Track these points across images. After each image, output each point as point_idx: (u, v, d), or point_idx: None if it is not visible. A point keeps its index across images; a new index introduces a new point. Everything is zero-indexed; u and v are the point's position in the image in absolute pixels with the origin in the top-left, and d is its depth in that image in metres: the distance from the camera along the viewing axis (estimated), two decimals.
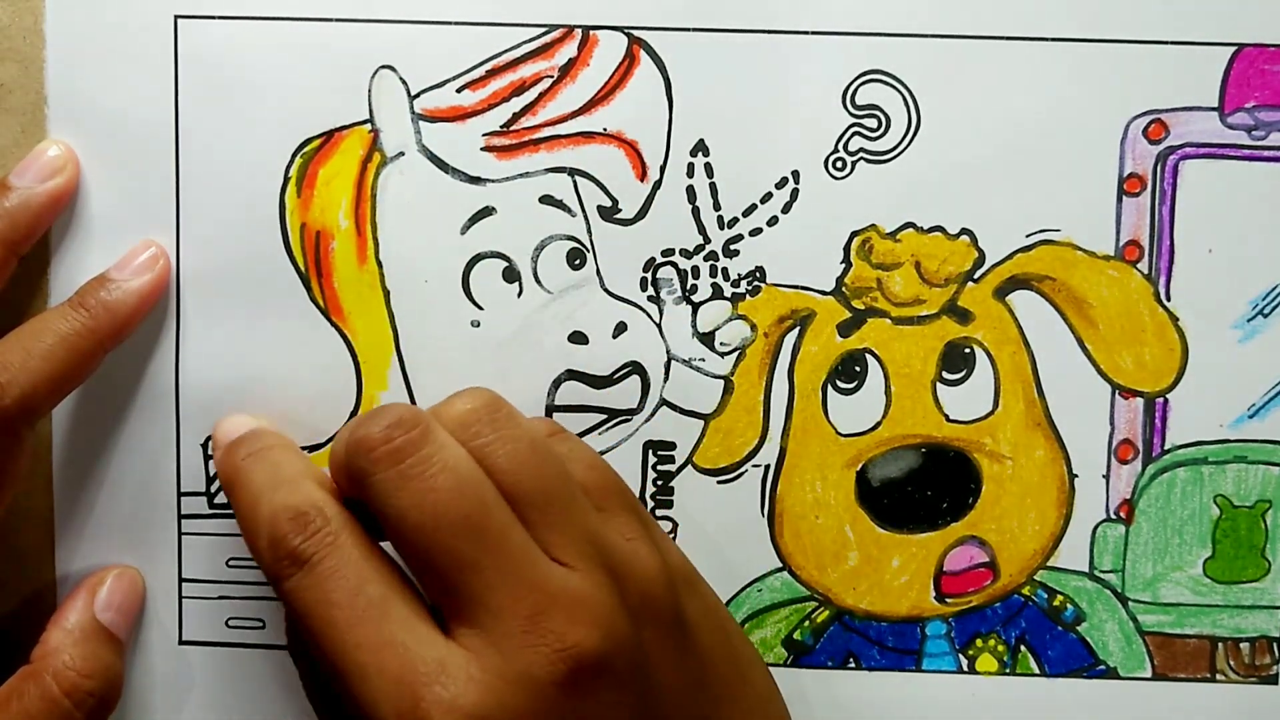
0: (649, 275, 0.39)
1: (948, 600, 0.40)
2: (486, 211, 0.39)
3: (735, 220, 0.39)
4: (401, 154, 0.39)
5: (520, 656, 0.30)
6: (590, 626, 0.31)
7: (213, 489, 0.40)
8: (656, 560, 0.33)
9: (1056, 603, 0.39)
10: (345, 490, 0.34)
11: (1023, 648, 0.40)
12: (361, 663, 0.30)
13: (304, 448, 0.39)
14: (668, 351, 0.39)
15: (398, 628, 0.31)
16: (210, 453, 0.40)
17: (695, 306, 0.39)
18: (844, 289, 0.39)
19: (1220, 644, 0.39)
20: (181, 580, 0.40)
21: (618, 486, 0.35)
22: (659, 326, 0.39)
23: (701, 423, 0.39)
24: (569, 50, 0.38)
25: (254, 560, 0.33)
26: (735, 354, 0.39)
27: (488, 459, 0.33)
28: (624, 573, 0.32)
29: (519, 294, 0.39)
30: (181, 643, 0.40)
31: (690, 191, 0.39)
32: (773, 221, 0.39)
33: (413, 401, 0.39)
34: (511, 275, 0.39)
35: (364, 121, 0.39)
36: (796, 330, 0.39)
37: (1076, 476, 0.39)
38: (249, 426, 0.38)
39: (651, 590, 0.33)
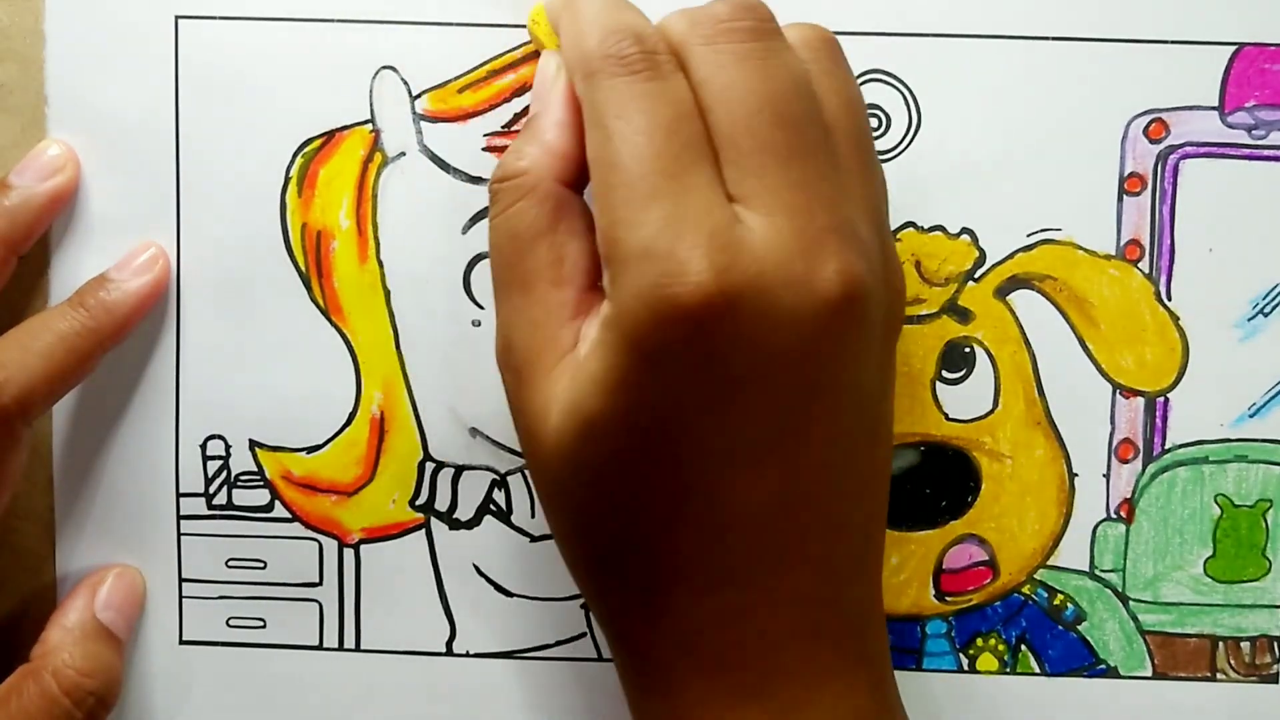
0: None
1: (947, 599, 0.39)
2: (487, 211, 0.39)
3: None
4: (403, 154, 0.39)
5: (805, 257, 0.29)
6: (870, 276, 0.30)
7: (211, 489, 0.40)
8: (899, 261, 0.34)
9: (1057, 602, 0.39)
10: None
11: (1023, 647, 0.40)
12: (656, 187, 0.29)
13: (304, 448, 0.39)
14: None
15: (703, 183, 0.30)
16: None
17: None
18: None
19: (1221, 643, 0.39)
20: (181, 580, 0.40)
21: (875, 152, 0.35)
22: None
23: None
24: None
25: (571, 62, 0.33)
26: None
27: (818, 80, 0.32)
28: (889, 252, 0.32)
29: None
30: (181, 643, 0.40)
31: None
32: None
33: (413, 401, 0.39)
34: None
35: (365, 121, 0.39)
36: None
37: (1077, 476, 0.39)
38: None
39: (903, 298, 0.34)
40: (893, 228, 0.38)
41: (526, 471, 0.39)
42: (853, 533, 0.32)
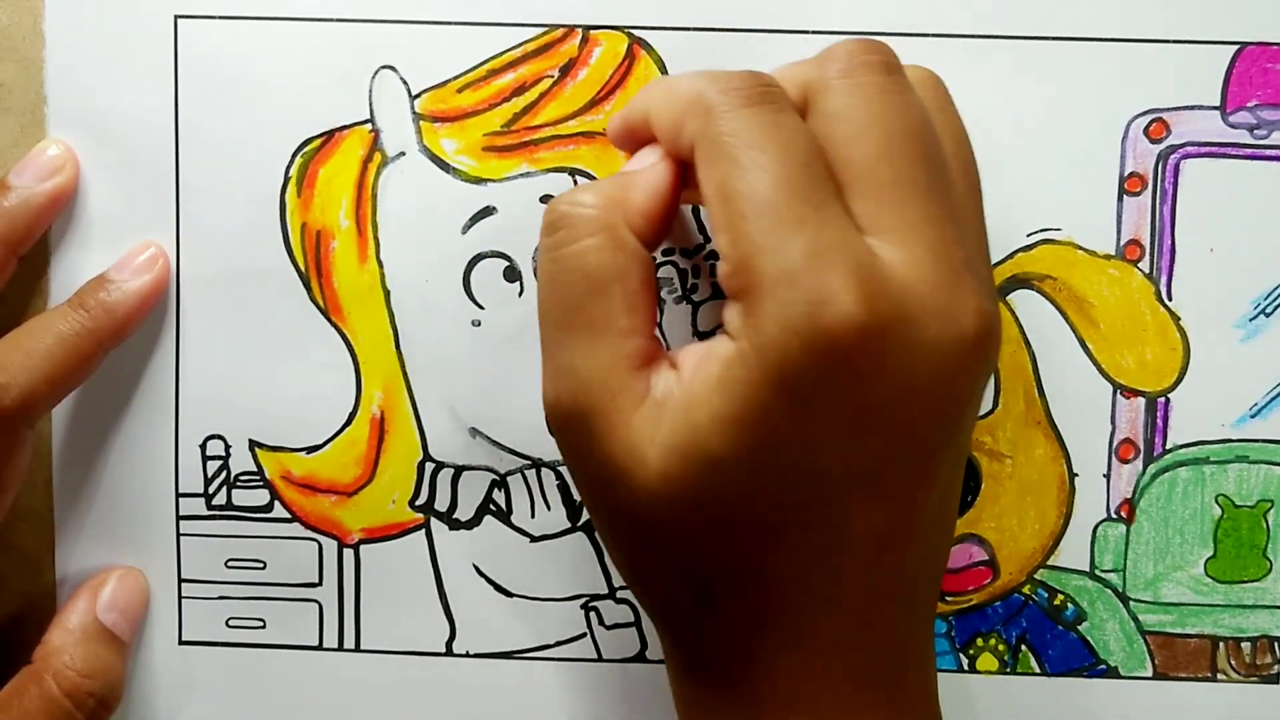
0: None
1: (947, 599, 0.39)
2: (487, 211, 0.39)
3: None
4: (402, 154, 0.39)
5: (949, 291, 0.29)
6: (995, 311, 0.30)
7: (211, 489, 0.40)
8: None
9: (1057, 602, 0.39)
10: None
11: (1023, 647, 0.40)
12: (800, 216, 0.28)
13: (304, 448, 0.39)
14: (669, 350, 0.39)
15: (839, 214, 0.29)
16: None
17: (695, 306, 0.39)
18: None
19: (1221, 644, 0.39)
20: (181, 580, 0.40)
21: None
22: (659, 326, 0.39)
23: None
24: (569, 50, 0.38)
25: (681, 108, 0.31)
26: None
27: (936, 119, 0.32)
28: (993, 289, 0.32)
29: (520, 293, 0.39)
30: (181, 643, 0.40)
31: None
32: None
33: (413, 401, 0.39)
34: (512, 275, 0.39)
35: (364, 121, 0.39)
36: None
37: (1077, 476, 0.39)
38: None
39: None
40: None
41: (526, 471, 0.39)
42: (940, 566, 0.33)
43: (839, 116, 0.30)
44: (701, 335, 0.39)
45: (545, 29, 0.38)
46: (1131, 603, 0.39)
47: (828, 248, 0.28)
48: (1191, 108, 0.38)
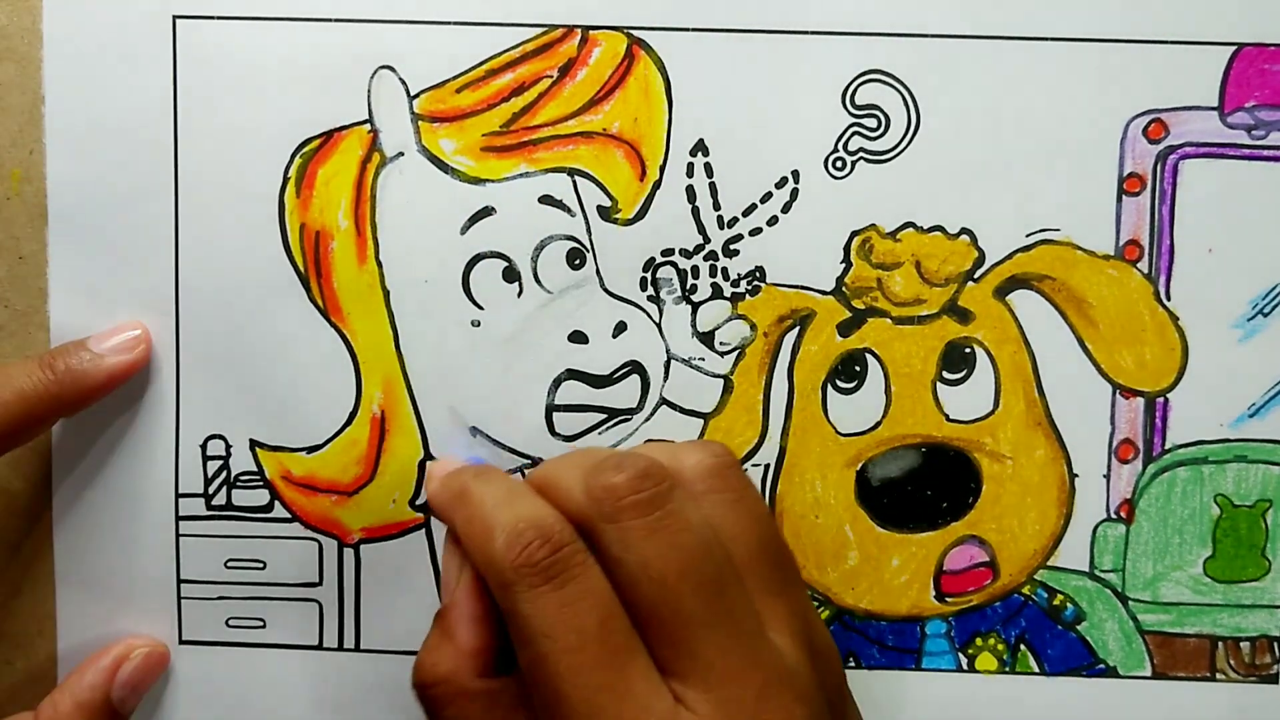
0: (649, 275, 0.39)
1: (948, 599, 0.40)
2: (486, 211, 0.39)
3: (735, 220, 0.39)
4: (401, 154, 0.39)
5: None
6: (808, 707, 0.31)
7: (211, 489, 0.40)
8: (835, 646, 0.34)
9: (1056, 602, 0.39)
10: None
11: (1022, 646, 0.40)
12: (599, 705, 0.30)
13: (304, 448, 0.39)
14: (667, 351, 0.39)
15: (639, 677, 0.30)
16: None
17: (695, 306, 0.39)
18: (844, 289, 0.39)
19: (1220, 643, 0.39)
20: (181, 580, 0.40)
21: (792, 559, 0.35)
22: (659, 326, 0.39)
23: (701, 422, 0.39)
24: (568, 50, 0.38)
25: (480, 566, 0.32)
26: (735, 353, 0.39)
27: (721, 520, 0.32)
28: (825, 656, 0.33)
29: (519, 294, 0.39)
30: (181, 643, 0.40)
31: (690, 191, 0.39)
32: (773, 221, 0.39)
33: (413, 401, 0.39)
34: (511, 275, 0.39)
35: (363, 122, 0.39)
36: (796, 330, 0.39)
37: (1077, 476, 0.39)
38: (462, 464, 0.38)
39: (841, 677, 0.33)
40: (892, 228, 0.38)
41: (526, 471, 0.40)
42: None
43: (617, 564, 0.31)
44: (701, 335, 0.39)
45: (544, 29, 0.38)
46: (1131, 602, 0.39)
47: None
48: (1190, 108, 0.38)
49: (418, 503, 0.40)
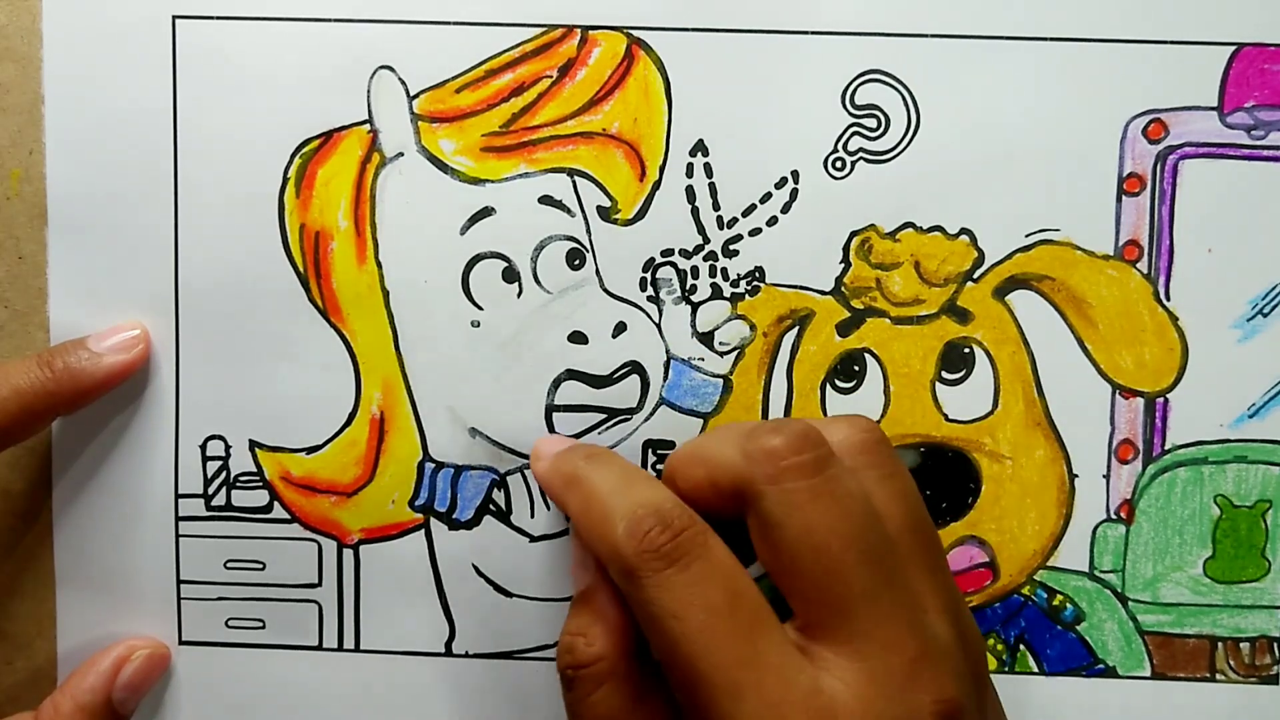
0: (648, 275, 0.39)
1: None
2: (486, 212, 0.39)
3: (734, 220, 0.39)
4: (401, 154, 0.39)
5: (902, 699, 0.29)
6: (960, 682, 0.30)
7: (210, 490, 0.40)
8: (980, 632, 0.34)
9: (1056, 602, 0.39)
10: (714, 500, 0.33)
11: (1022, 646, 0.40)
12: (737, 680, 0.29)
13: (304, 448, 0.39)
14: (667, 351, 0.39)
15: (775, 649, 0.30)
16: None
17: (695, 306, 0.39)
18: (843, 289, 0.39)
19: (1220, 644, 0.39)
20: (180, 581, 0.40)
21: (939, 540, 0.35)
22: (658, 326, 0.39)
23: (701, 422, 0.39)
24: (568, 50, 0.38)
25: (602, 555, 0.32)
26: (734, 353, 0.39)
27: (874, 494, 0.32)
28: (972, 639, 0.32)
29: (519, 294, 0.39)
30: (181, 643, 0.40)
31: (690, 191, 0.39)
32: (772, 221, 0.39)
33: (413, 401, 0.39)
34: (511, 275, 0.39)
35: (363, 122, 0.39)
36: (795, 330, 0.39)
37: (1077, 476, 0.39)
38: (571, 444, 0.37)
39: (985, 664, 0.33)
40: (891, 228, 0.38)
41: (526, 471, 0.40)
42: None
43: (772, 524, 0.31)
44: (701, 335, 0.39)
45: (544, 29, 0.38)
46: (1130, 603, 0.39)
47: (772, 707, 0.29)
48: (1189, 108, 0.38)
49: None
